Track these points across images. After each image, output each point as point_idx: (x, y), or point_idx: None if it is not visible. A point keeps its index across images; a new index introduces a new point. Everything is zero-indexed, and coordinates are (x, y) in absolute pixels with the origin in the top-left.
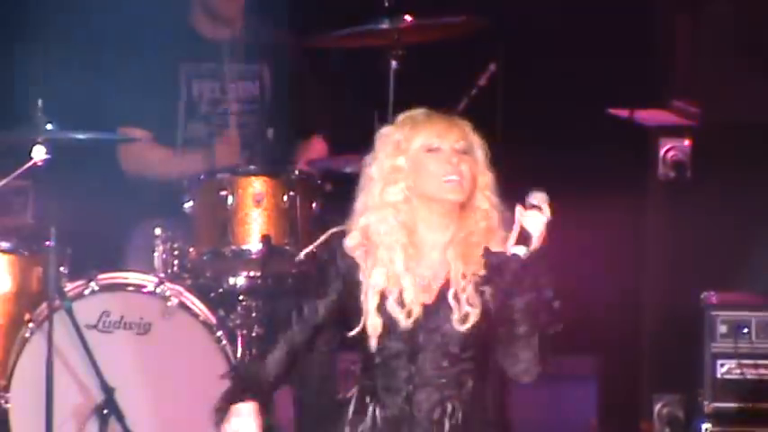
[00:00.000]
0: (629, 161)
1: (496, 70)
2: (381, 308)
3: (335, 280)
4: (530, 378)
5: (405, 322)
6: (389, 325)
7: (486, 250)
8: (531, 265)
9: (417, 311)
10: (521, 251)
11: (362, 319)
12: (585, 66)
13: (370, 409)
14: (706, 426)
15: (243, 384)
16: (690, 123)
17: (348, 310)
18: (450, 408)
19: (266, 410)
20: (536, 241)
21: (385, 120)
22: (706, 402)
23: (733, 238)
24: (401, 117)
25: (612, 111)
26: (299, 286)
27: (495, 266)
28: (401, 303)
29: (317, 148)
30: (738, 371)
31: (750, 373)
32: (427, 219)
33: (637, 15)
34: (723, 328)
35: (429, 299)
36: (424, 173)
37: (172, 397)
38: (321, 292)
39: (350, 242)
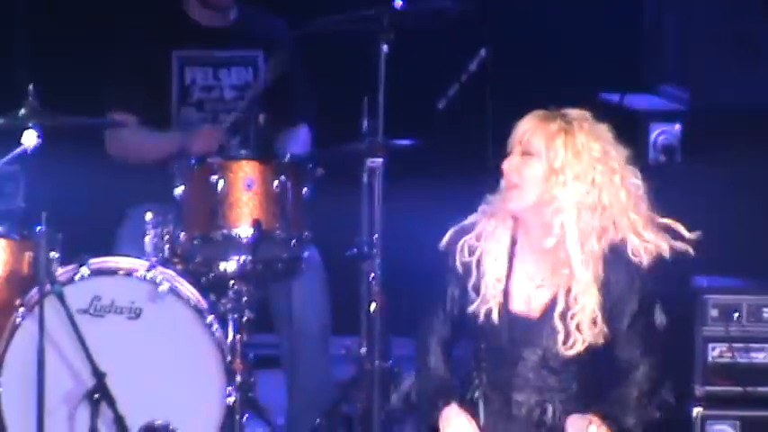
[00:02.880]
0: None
1: (487, 55)
2: (482, 307)
3: (453, 274)
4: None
5: (504, 330)
6: (489, 328)
7: None
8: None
9: (520, 323)
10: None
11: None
12: (576, 51)
13: (479, 401)
14: (697, 409)
15: (433, 389)
16: (680, 108)
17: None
18: (550, 409)
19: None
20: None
21: (375, 106)
22: (697, 386)
23: (723, 222)
24: None
25: (603, 95)
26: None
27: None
28: (503, 312)
29: (301, 137)
30: (729, 354)
31: (741, 357)
32: (524, 224)
33: (627, 0)
34: (714, 312)
35: (534, 312)
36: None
37: (163, 381)
38: (445, 288)
39: (469, 235)
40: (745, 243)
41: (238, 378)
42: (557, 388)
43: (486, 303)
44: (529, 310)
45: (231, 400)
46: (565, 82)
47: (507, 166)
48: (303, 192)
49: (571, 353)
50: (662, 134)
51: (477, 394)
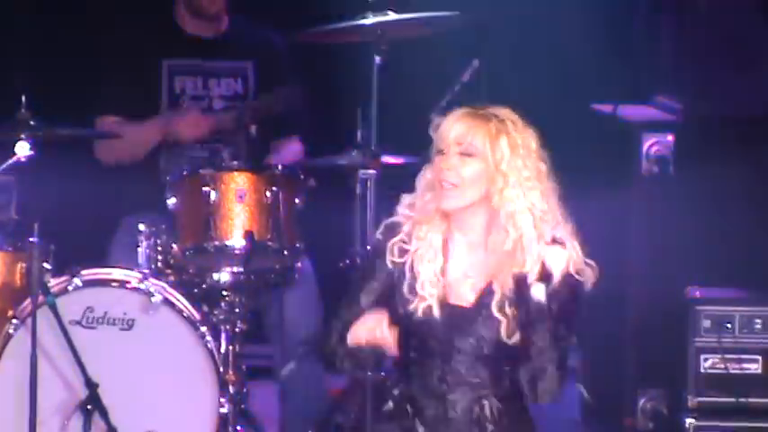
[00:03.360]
0: (612, 156)
1: (480, 66)
2: (420, 305)
3: (382, 271)
4: (545, 401)
5: (441, 322)
6: (425, 324)
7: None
8: (548, 307)
9: (456, 314)
10: (540, 291)
11: (401, 314)
12: (569, 62)
13: (408, 410)
14: (690, 420)
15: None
16: (673, 119)
17: (391, 303)
18: (488, 406)
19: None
20: (557, 278)
21: (368, 116)
22: (690, 397)
23: (716, 233)
24: None
25: (596, 106)
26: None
27: (520, 294)
28: (439, 303)
29: (292, 149)
30: (722, 365)
31: (733, 368)
32: (459, 221)
33: (620, 11)
34: (707, 323)
35: (469, 302)
36: (433, 176)
37: (156, 392)
38: (366, 283)
39: (398, 237)
40: (738, 254)
41: (231, 389)
42: (490, 383)
43: (424, 301)
44: (464, 302)
45: (224, 411)
46: (558, 92)
47: (446, 166)
48: (295, 202)
49: (512, 341)
50: (655, 145)
51: (401, 398)
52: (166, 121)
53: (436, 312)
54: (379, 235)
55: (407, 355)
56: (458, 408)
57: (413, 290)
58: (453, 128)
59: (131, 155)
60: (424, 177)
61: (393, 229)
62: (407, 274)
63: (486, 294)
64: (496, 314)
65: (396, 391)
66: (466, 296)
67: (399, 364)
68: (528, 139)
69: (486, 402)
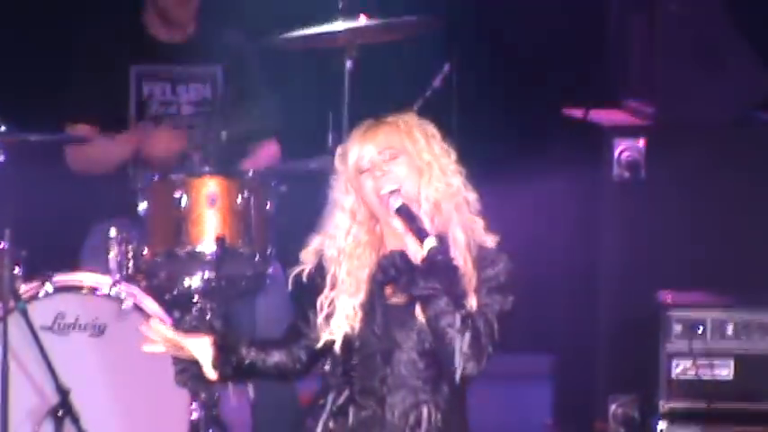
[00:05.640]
0: (583, 161)
1: (451, 71)
2: (355, 308)
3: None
4: (467, 374)
5: (380, 321)
6: (367, 324)
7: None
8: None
9: (394, 311)
10: (431, 243)
11: (340, 320)
12: (540, 66)
13: (347, 410)
14: (661, 425)
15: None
16: (644, 123)
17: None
18: (426, 412)
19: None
20: (429, 226)
21: (339, 121)
22: (661, 402)
23: (687, 237)
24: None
25: (567, 111)
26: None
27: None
28: (377, 304)
29: (268, 152)
30: (693, 371)
31: (705, 373)
32: (389, 226)
33: (591, 15)
34: (678, 328)
35: (407, 298)
36: (365, 194)
37: (127, 398)
38: (312, 310)
39: (328, 252)
40: (709, 258)
41: (202, 395)
42: (431, 388)
43: (333, 334)
44: (400, 298)
45: (195, 417)
46: (529, 97)
47: (380, 174)
48: (266, 207)
49: None
50: (626, 150)
51: (342, 401)
52: (138, 137)
53: (371, 310)
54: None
55: (349, 362)
56: (395, 411)
57: (327, 321)
58: (366, 143)
59: (103, 169)
60: (341, 209)
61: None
62: (326, 304)
63: None
64: None
65: (335, 406)
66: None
67: (338, 376)
68: (433, 129)
69: (424, 408)
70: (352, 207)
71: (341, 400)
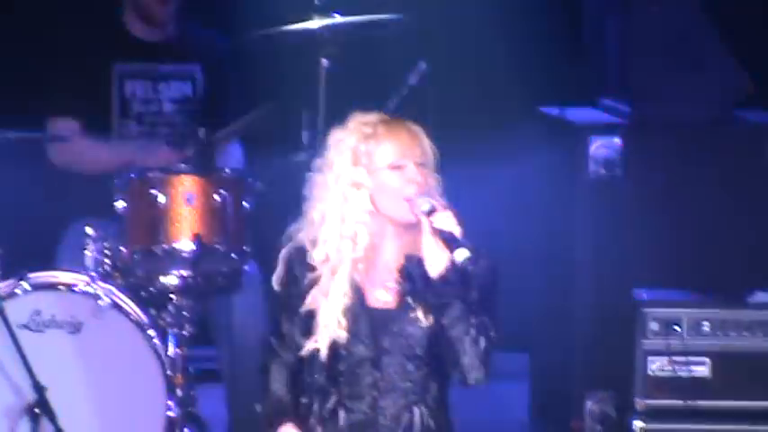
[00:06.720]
0: (559, 159)
1: (426, 68)
2: (343, 316)
3: (302, 297)
4: (471, 383)
5: (366, 328)
6: (352, 331)
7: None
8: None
9: (380, 316)
10: (465, 253)
11: (324, 328)
12: (516, 64)
13: (337, 415)
14: (637, 423)
15: (273, 412)
16: (620, 121)
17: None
18: (417, 413)
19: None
20: (462, 237)
21: (314, 119)
22: (637, 399)
23: (664, 235)
24: (356, 123)
25: (543, 109)
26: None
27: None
28: (362, 310)
29: (232, 155)
30: (669, 368)
31: (681, 370)
32: (386, 229)
33: (567, 14)
34: (654, 326)
35: (392, 303)
36: (387, 191)
37: (104, 396)
38: (293, 314)
39: (317, 256)
40: (686, 256)
41: (179, 392)
42: (420, 388)
43: (344, 304)
44: (385, 303)
45: (172, 414)
46: (505, 95)
47: (413, 179)
48: (243, 205)
49: (428, 326)
50: (602, 147)
51: (330, 405)
52: (134, 154)
53: (357, 314)
54: (285, 266)
55: (335, 368)
56: (387, 414)
57: (310, 329)
58: (405, 140)
59: (89, 169)
60: (333, 208)
61: (298, 253)
62: (323, 286)
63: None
64: (413, 304)
65: (325, 411)
66: (385, 297)
67: (322, 381)
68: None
69: (416, 410)
70: (344, 210)
71: (329, 404)
